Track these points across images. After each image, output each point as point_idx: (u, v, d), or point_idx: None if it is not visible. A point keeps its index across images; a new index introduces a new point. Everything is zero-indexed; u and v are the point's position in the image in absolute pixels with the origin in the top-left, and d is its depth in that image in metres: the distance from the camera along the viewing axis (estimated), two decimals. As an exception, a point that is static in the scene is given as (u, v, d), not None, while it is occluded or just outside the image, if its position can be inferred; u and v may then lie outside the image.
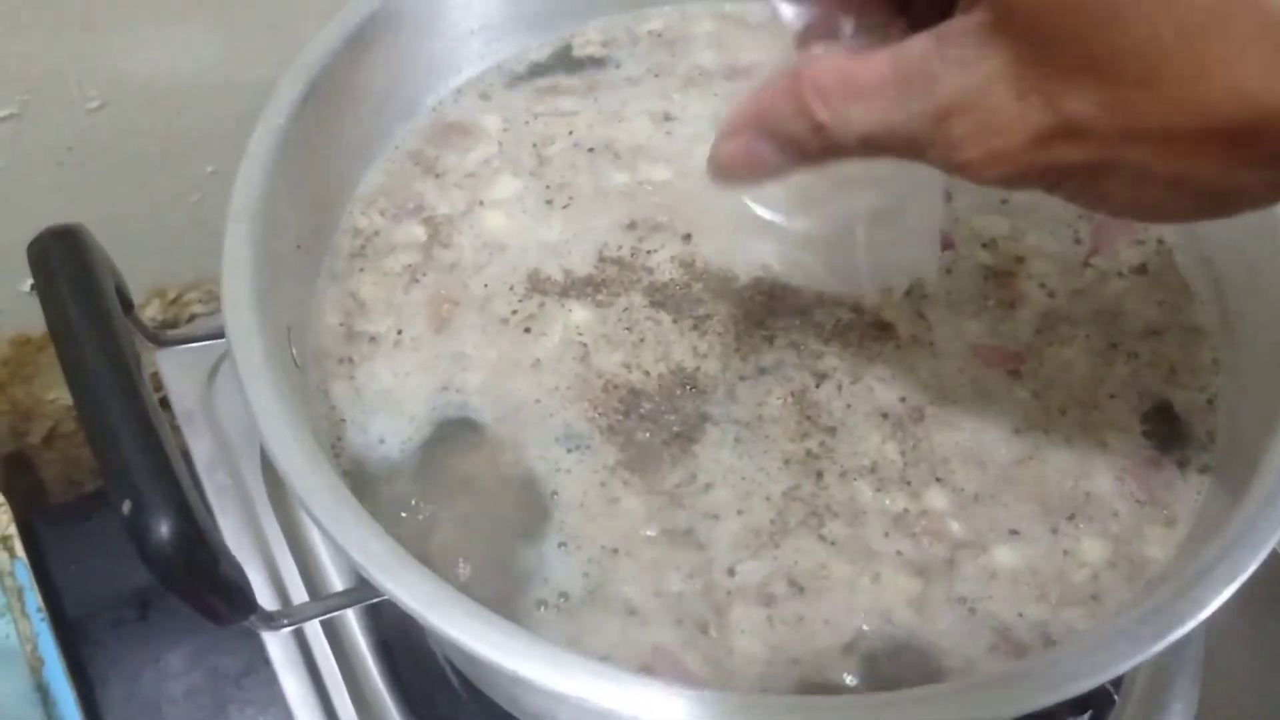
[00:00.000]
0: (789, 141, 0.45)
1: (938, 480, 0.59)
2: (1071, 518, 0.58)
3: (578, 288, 0.65)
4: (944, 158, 0.42)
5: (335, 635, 0.75)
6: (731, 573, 0.56)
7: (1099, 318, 0.65)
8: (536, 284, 0.66)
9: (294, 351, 0.60)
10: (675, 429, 0.60)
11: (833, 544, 0.57)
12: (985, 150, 0.41)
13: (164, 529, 0.43)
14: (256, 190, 0.59)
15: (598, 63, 0.75)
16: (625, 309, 0.64)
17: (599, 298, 0.65)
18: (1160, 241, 0.68)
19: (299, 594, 0.75)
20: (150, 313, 0.95)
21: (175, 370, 0.86)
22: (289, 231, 0.62)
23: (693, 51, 0.76)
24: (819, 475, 0.59)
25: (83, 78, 0.80)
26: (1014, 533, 0.58)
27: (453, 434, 0.61)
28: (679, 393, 0.61)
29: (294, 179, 0.62)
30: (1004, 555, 0.57)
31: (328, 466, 0.52)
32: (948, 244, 0.67)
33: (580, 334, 0.64)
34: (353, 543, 0.48)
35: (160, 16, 0.79)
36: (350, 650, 0.76)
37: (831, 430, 0.60)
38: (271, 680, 0.75)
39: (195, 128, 0.86)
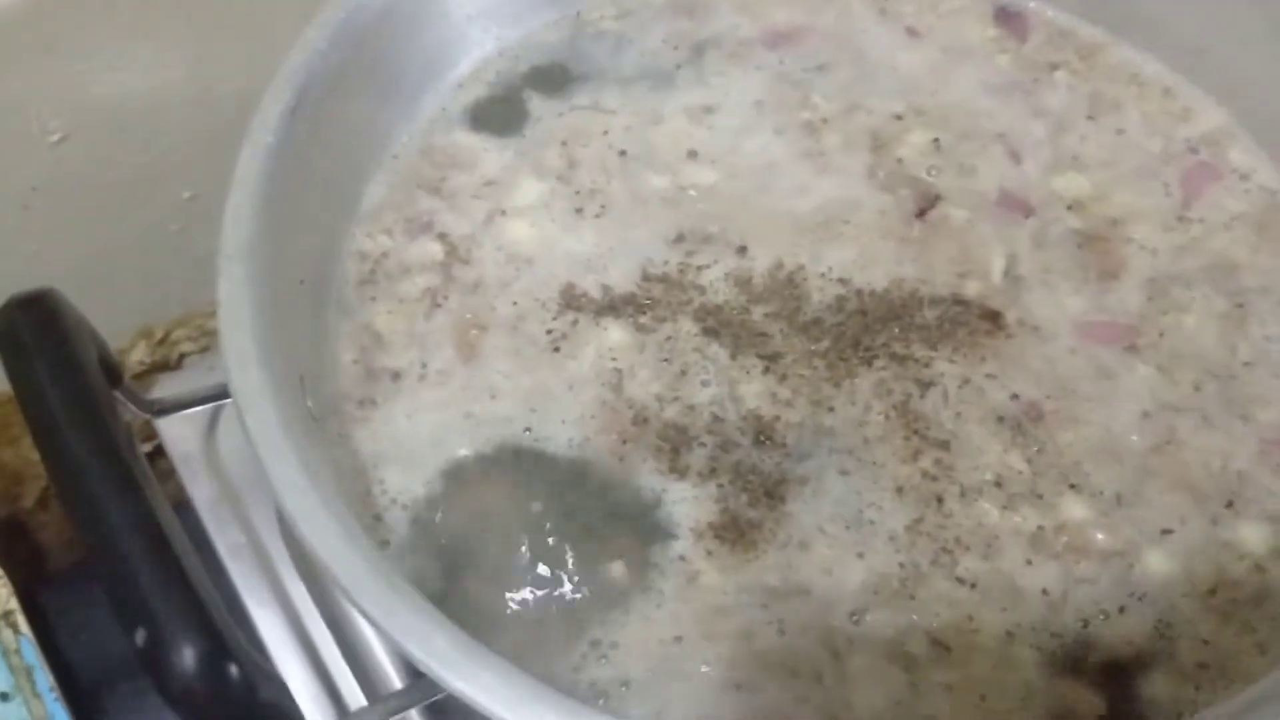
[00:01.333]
0: None
1: (1072, 487, 0.52)
2: (1230, 505, 0.51)
3: (617, 307, 0.58)
4: None
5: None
6: (856, 620, 0.49)
7: (1213, 273, 0.58)
8: (570, 300, 0.58)
9: (310, 403, 0.52)
10: (754, 484, 0.53)
11: (972, 586, 0.49)
12: None
13: (189, 659, 0.36)
14: (250, 223, 0.51)
15: (613, 39, 0.67)
16: (669, 337, 0.57)
17: (641, 320, 0.57)
18: (1264, 187, 0.61)
19: (342, 674, 0.67)
20: (137, 356, 0.87)
21: (173, 420, 0.78)
22: (290, 266, 0.54)
23: (717, 16, 0.68)
24: (939, 501, 0.51)
25: (42, 109, 0.73)
26: (1166, 532, 0.51)
27: (492, 472, 0.53)
28: (747, 441, 0.54)
29: (290, 203, 0.54)
30: (1156, 560, 0.50)
31: (369, 548, 0.44)
32: (1026, 209, 0.60)
33: (614, 359, 0.56)
34: (413, 638, 0.41)
35: (124, 34, 0.72)
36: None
37: (944, 444, 0.53)
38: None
39: (169, 151, 0.78)
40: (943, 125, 0.63)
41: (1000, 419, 0.54)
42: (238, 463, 0.76)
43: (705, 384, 0.55)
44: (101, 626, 0.88)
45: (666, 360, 0.56)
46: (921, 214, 0.61)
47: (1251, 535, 0.51)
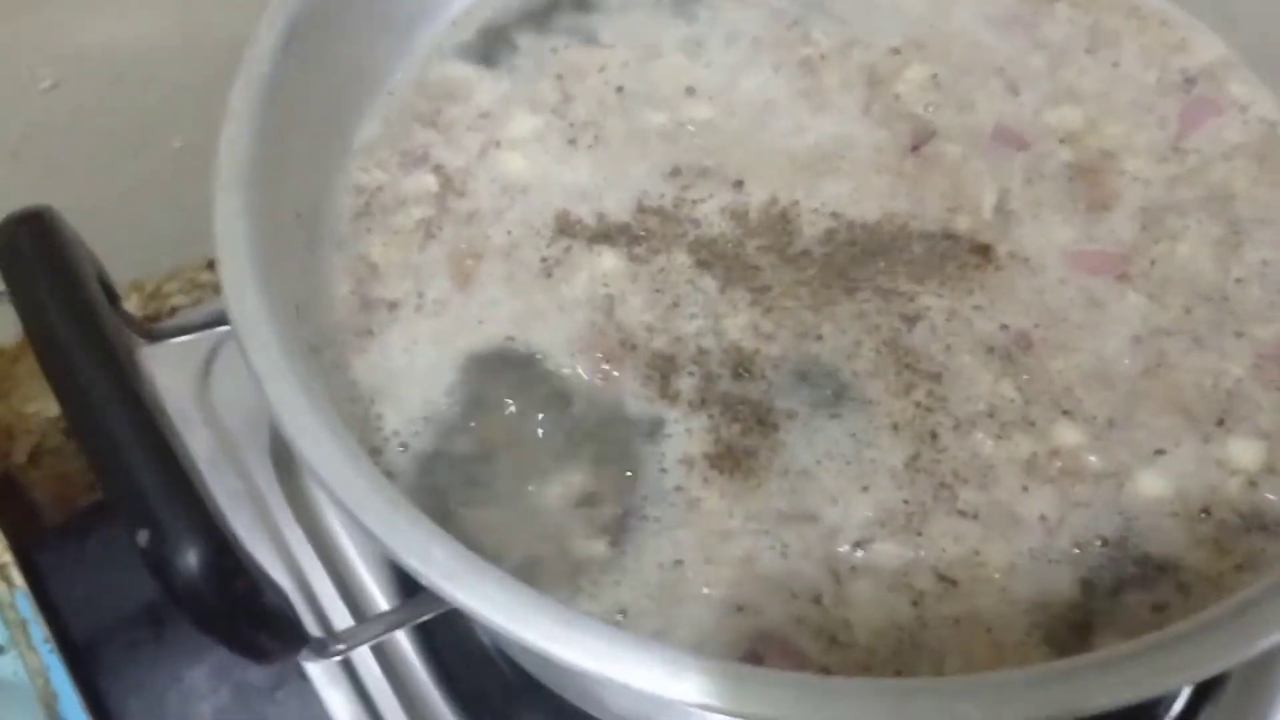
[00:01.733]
0: None
1: (1064, 413, 0.52)
2: (1221, 422, 0.52)
3: (612, 235, 0.58)
4: None
5: (378, 644, 0.68)
6: (860, 549, 0.49)
7: (1209, 204, 0.58)
8: (565, 226, 0.58)
9: (306, 332, 0.52)
10: (744, 414, 0.53)
11: (974, 518, 0.50)
12: None
13: (192, 560, 0.36)
14: (245, 153, 0.51)
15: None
16: (662, 269, 0.57)
17: (635, 250, 0.57)
18: (1263, 119, 0.61)
19: (335, 608, 0.67)
20: (129, 309, 0.87)
21: (164, 365, 0.77)
22: (286, 198, 0.54)
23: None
24: (934, 436, 0.52)
25: (32, 57, 0.72)
26: (1159, 452, 0.51)
27: (488, 397, 0.54)
28: (727, 373, 0.54)
29: (285, 137, 0.54)
30: (1149, 481, 0.50)
31: (368, 463, 0.44)
32: (1020, 144, 0.60)
33: (606, 284, 0.56)
34: (414, 551, 0.41)
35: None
36: (395, 656, 0.68)
37: (936, 376, 0.53)
38: (306, 692, 0.69)
39: (160, 100, 0.78)
40: (942, 60, 0.63)
41: (990, 349, 0.54)
42: (233, 411, 0.76)
43: (693, 316, 0.55)
44: (97, 583, 0.89)
45: (659, 291, 0.56)
46: (916, 149, 0.61)
47: (1244, 452, 0.51)
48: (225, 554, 0.36)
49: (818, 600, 0.48)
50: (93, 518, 0.96)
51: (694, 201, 0.59)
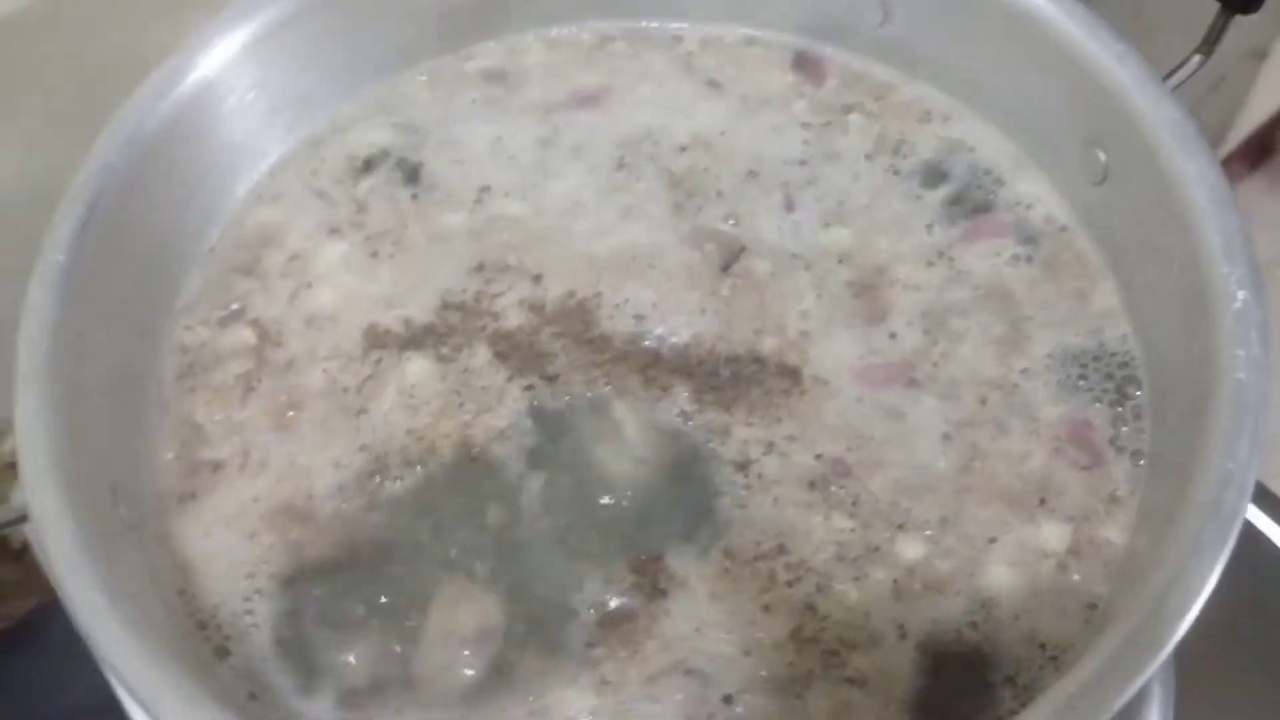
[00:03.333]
0: None
1: (899, 527, 0.54)
2: (1043, 502, 0.55)
3: (419, 339, 0.60)
4: None
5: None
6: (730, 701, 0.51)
7: (989, 303, 0.60)
8: (374, 339, 0.61)
9: (122, 511, 0.53)
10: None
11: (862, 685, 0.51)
12: None
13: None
14: (45, 346, 0.52)
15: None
16: (465, 369, 0.59)
17: (442, 350, 0.60)
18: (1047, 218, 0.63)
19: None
20: (10, 445, 0.87)
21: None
22: (95, 378, 0.55)
23: (529, 83, 0.70)
24: (811, 610, 0.53)
25: None
26: (992, 541, 0.54)
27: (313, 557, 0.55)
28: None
29: (92, 317, 0.55)
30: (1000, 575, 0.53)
31: (174, 662, 0.46)
32: (805, 263, 0.62)
33: (413, 395, 0.59)
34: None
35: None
36: None
37: (780, 547, 0.54)
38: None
39: (6, 249, 0.78)
40: (731, 172, 0.65)
41: (811, 484, 0.56)
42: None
43: (485, 410, 0.58)
44: (26, 690, 0.88)
45: (457, 392, 0.58)
46: (727, 268, 0.62)
47: (1052, 536, 0.54)
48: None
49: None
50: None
51: (494, 295, 0.61)
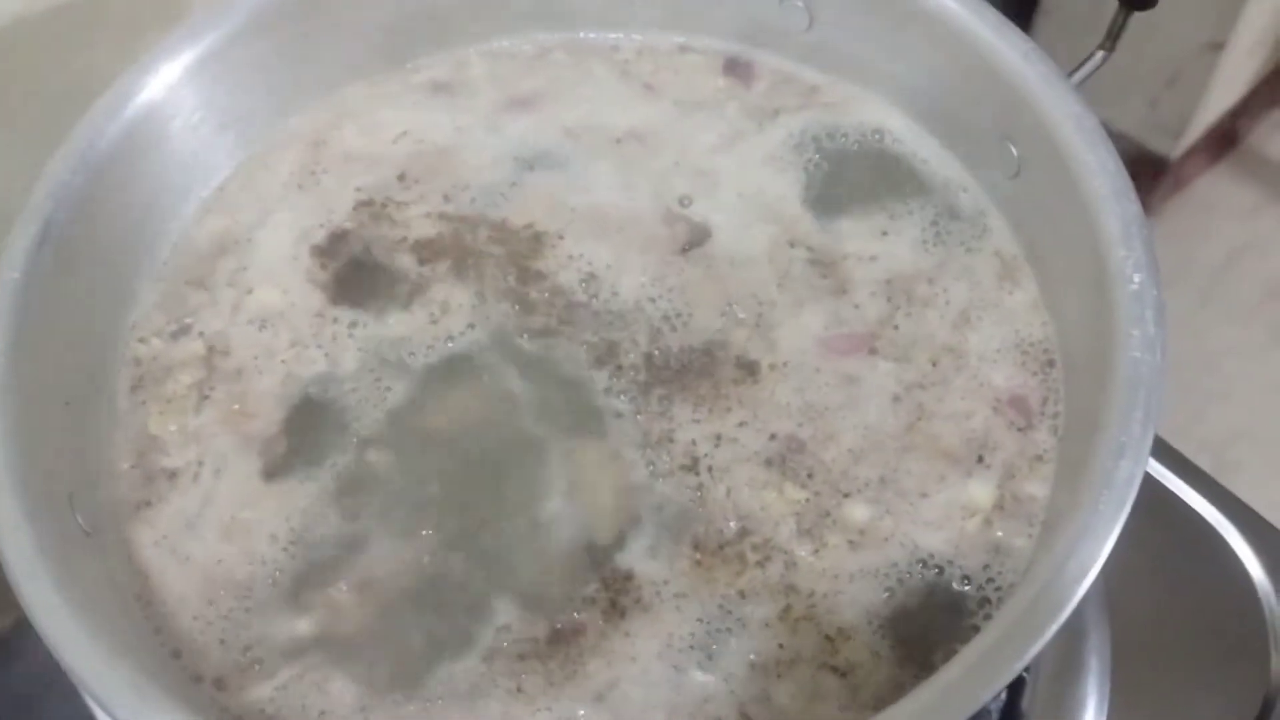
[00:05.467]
0: None
1: (845, 496, 0.57)
2: (980, 459, 0.57)
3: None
4: None
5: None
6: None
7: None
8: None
9: (79, 520, 0.55)
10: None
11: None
12: None
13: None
14: (1, 361, 0.54)
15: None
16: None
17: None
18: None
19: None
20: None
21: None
22: (52, 392, 0.57)
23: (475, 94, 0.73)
24: (793, 589, 0.56)
25: None
26: (924, 495, 0.57)
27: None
28: None
29: (47, 332, 0.57)
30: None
31: (128, 660, 0.49)
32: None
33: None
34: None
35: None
36: None
37: (744, 531, 0.57)
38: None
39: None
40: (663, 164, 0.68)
41: (768, 462, 0.58)
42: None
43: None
44: (5, 708, 0.90)
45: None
46: (685, 251, 0.65)
47: (980, 491, 0.57)
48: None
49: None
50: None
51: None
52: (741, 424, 0.59)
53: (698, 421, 0.59)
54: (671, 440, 0.59)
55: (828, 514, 0.57)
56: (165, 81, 0.64)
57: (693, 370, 0.61)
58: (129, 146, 0.63)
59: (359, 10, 0.69)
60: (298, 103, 0.71)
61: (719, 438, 0.59)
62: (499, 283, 0.64)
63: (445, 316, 0.63)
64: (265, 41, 0.67)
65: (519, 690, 0.53)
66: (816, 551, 0.56)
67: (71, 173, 0.60)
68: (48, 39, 0.75)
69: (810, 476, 0.58)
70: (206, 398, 0.62)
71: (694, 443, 0.59)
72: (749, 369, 0.61)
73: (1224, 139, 1.93)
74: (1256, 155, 1.93)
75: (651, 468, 0.58)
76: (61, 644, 0.48)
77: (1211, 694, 0.69)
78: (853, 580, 0.55)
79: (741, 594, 0.55)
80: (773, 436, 0.59)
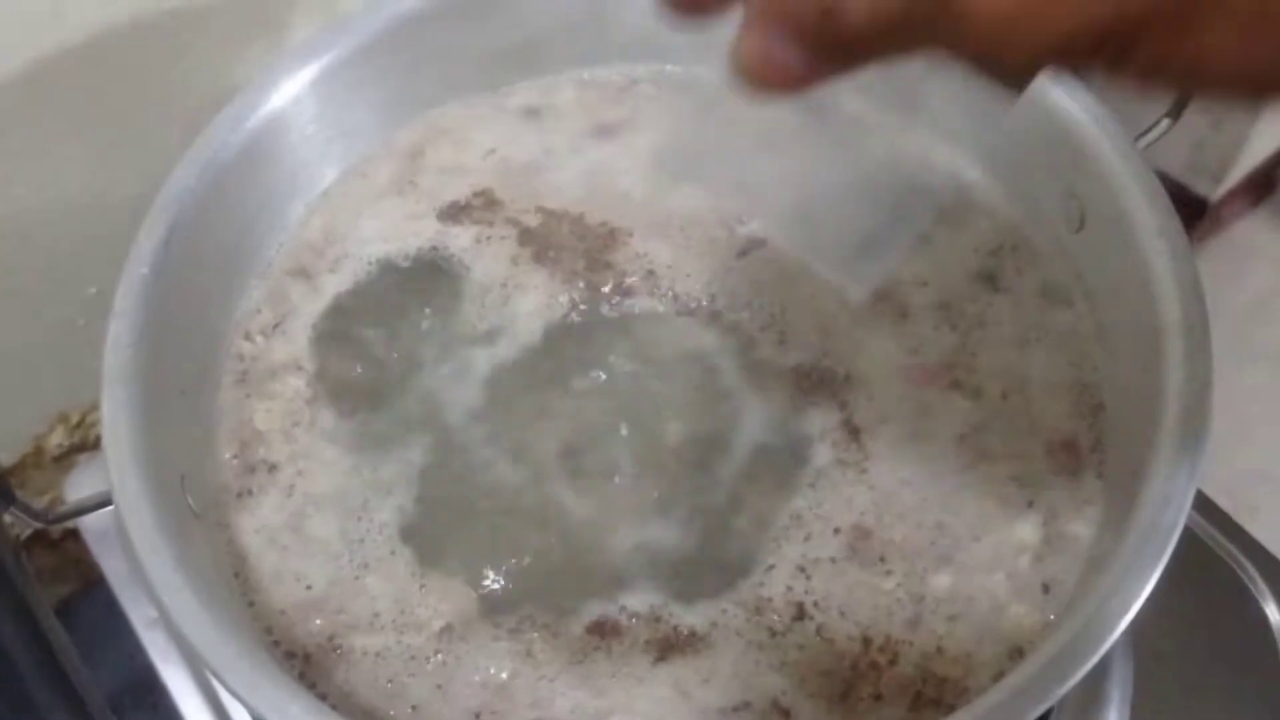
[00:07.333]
0: (800, 33, 0.36)
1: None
2: (1031, 504, 0.60)
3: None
4: (962, 29, 0.33)
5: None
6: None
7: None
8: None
9: (190, 500, 0.60)
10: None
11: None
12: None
13: (69, 749, 0.44)
14: (128, 350, 0.59)
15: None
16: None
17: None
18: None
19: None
20: (56, 439, 0.94)
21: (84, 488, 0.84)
22: (170, 380, 0.61)
23: (559, 116, 0.77)
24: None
25: (-51, 227, 0.79)
26: (976, 540, 0.59)
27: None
28: None
29: (167, 325, 0.61)
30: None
31: (241, 634, 0.52)
32: None
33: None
34: (274, 708, 0.49)
35: (18, 154, 0.78)
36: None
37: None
38: None
39: (72, 254, 0.85)
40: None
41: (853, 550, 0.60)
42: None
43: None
44: None
45: None
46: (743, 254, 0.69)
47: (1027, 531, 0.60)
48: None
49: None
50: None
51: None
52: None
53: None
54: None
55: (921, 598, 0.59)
56: (286, 97, 0.68)
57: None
58: (248, 155, 0.67)
59: (463, 37, 0.73)
60: (398, 119, 0.75)
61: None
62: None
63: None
64: (375, 63, 0.71)
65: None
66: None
67: (195, 178, 0.64)
68: (154, 44, 0.79)
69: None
70: (306, 398, 0.66)
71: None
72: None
73: (1263, 185, 1.96)
74: (1294, 202, 1.95)
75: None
76: (181, 617, 0.52)
77: (1228, 729, 0.73)
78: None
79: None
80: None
